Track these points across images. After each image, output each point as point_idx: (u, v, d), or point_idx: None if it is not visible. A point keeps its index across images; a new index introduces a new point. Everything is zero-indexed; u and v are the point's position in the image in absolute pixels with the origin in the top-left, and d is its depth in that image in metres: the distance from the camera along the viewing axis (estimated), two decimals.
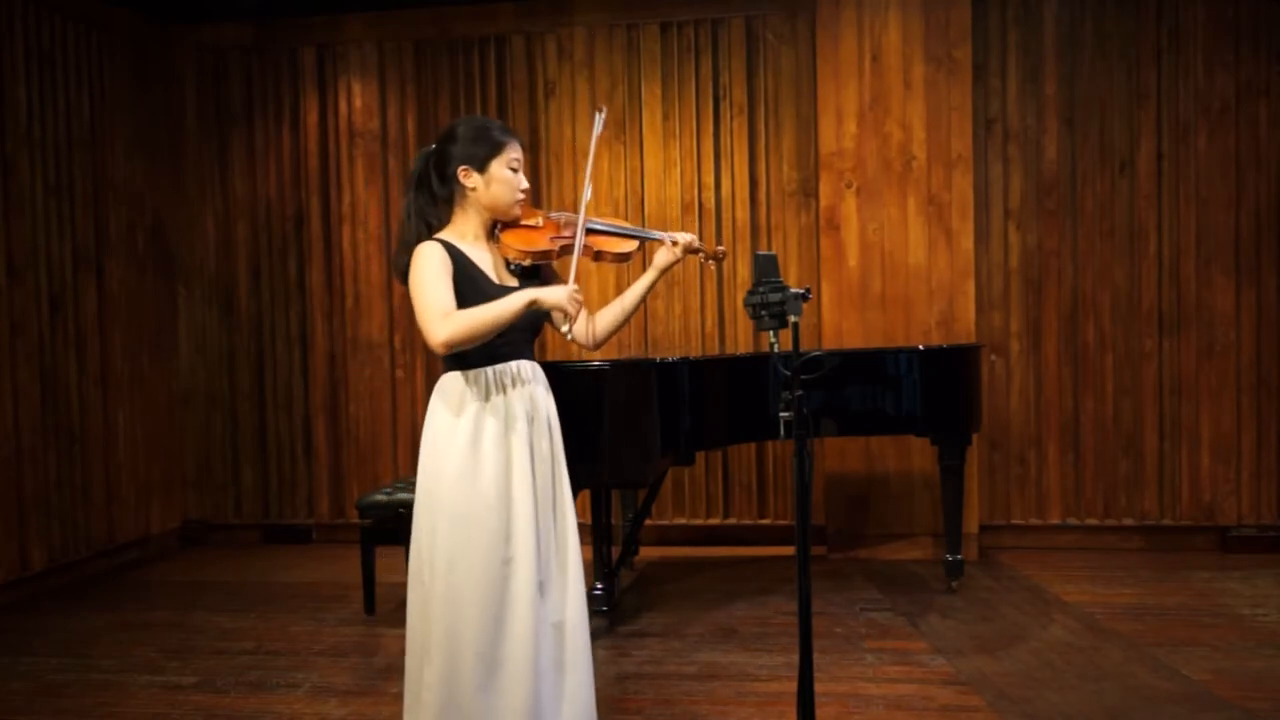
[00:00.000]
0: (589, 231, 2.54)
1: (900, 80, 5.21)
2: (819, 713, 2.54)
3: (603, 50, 5.76)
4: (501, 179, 2.45)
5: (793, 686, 2.57)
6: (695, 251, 2.66)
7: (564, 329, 2.44)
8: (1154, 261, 5.36)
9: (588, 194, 2.54)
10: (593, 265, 4.53)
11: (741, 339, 5.68)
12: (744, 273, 5.68)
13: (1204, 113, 5.29)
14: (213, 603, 4.81)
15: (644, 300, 2.66)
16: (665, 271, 2.61)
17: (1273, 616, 4.19)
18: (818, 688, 2.54)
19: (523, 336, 2.46)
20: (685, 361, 4.00)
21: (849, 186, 5.27)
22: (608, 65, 5.76)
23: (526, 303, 2.33)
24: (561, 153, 5.79)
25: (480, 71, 5.87)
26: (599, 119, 2.59)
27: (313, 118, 6.01)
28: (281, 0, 5.76)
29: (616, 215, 2.60)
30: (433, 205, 2.50)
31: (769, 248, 5.67)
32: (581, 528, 5.07)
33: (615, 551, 4.71)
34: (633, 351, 5.72)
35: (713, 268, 2.78)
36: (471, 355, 2.38)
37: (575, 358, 5.59)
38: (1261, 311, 5.28)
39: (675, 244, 2.61)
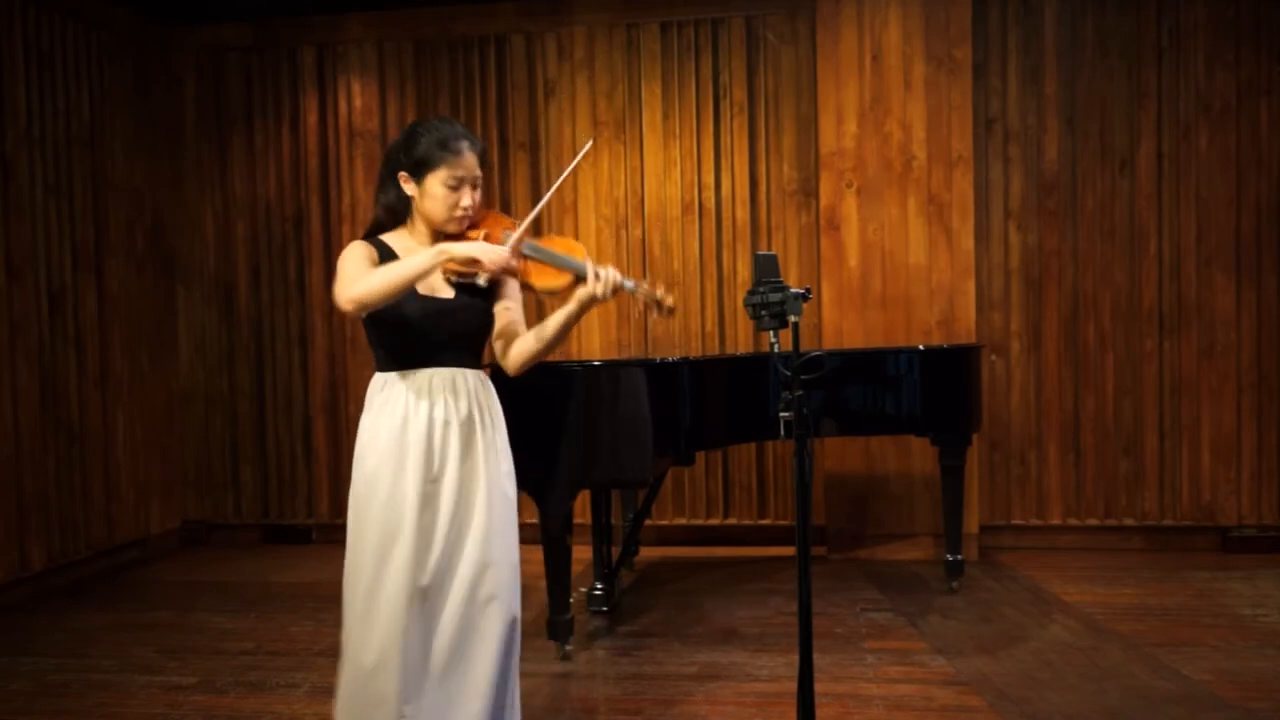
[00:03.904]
0: (522, 256, 2.37)
1: (900, 80, 5.21)
2: (819, 713, 2.53)
3: (603, 50, 5.76)
4: (434, 195, 2.38)
5: (793, 686, 2.57)
6: (637, 295, 2.38)
7: (481, 279, 2.28)
8: (1154, 261, 5.36)
9: (544, 199, 2.47)
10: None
11: (741, 339, 5.68)
12: (744, 273, 5.67)
13: (1204, 113, 5.29)
14: (212, 603, 4.81)
15: (565, 334, 2.42)
16: (587, 307, 2.35)
17: (1273, 617, 4.19)
18: (818, 688, 2.54)
19: (442, 344, 2.37)
20: (685, 361, 4.00)
21: (849, 186, 5.27)
22: (608, 65, 5.76)
23: (437, 253, 2.26)
24: (561, 153, 5.79)
25: (480, 71, 5.87)
26: (588, 146, 2.48)
27: (312, 118, 6.01)
28: (281, 0, 5.76)
29: (574, 242, 2.22)
30: (394, 202, 2.46)
31: (769, 248, 5.67)
32: (581, 528, 5.12)
33: (615, 551, 4.71)
34: (633, 351, 5.72)
35: (655, 314, 2.43)
36: (385, 361, 2.39)
37: (573, 358, 5.59)
38: (1261, 311, 5.28)
39: (597, 278, 2.30)
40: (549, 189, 2.43)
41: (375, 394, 2.41)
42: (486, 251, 2.26)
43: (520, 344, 2.45)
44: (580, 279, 2.34)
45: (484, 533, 2.35)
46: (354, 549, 2.37)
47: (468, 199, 2.39)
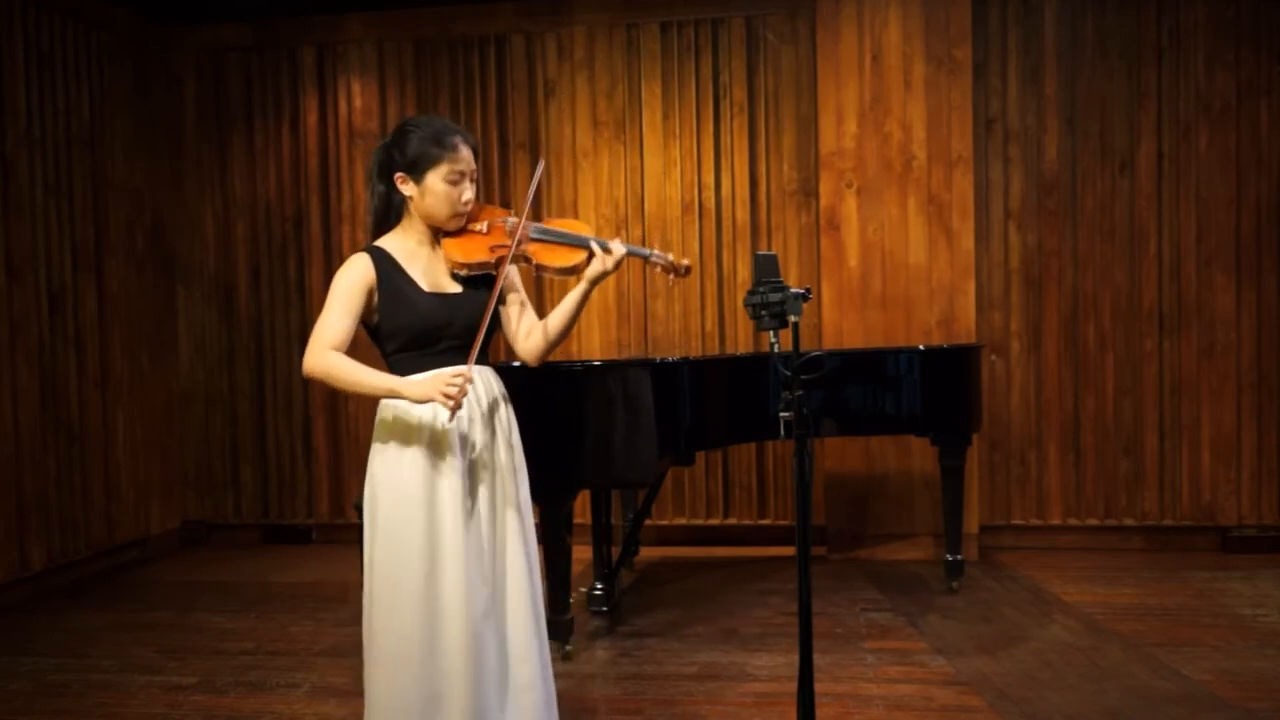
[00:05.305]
0: (531, 240, 2.39)
1: (900, 80, 5.21)
2: (819, 713, 2.53)
3: (603, 50, 5.76)
4: (436, 192, 2.34)
5: (793, 686, 2.56)
6: (652, 262, 2.45)
7: (441, 422, 2.27)
8: (1154, 261, 5.36)
9: (517, 236, 2.37)
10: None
11: (741, 339, 5.68)
12: (744, 273, 5.67)
13: (1204, 113, 5.29)
14: (212, 603, 4.81)
15: (578, 314, 2.43)
16: (596, 283, 2.39)
17: (1273, 617, 4.18)
18: (818, 688, 2.54)
19: (456, 339, 2.35)
20: (685, 361, 4.00)
21: (849, 186, 5.27)
22: (608, 65, 5.76)
23: (386, 390, 2.25)
24: (561, 152, 5.79)
25: (480, 71, 5.87)
26: (539, 169, 2.46)
27: (312, 118, 6.01)
28: (281, 0, 5.76)
29: (576, 220, 2.31)
30: (388, 202, 2.42)
31: (769, 248, 5.67)
32: (581, 528, 5.12)
33: (615, 551, 4.71)
34: (633, 351, 5.72)
35: (671, 279, 2.49)
36: (402, 367, 2.34)
37: (573, 358, 5.59)
38: (1261, 311, 5.28)
39: (608, 253, 2.36)
40: (535, 179, 2.43)
41: (392, 405, 2.34)
42: (444, 389, 2.19)
43: (538, 331, 2.47)
44: (592, 253, 2.39)
45: (519, 532, 2.42)
46: (389, 572, 2.30)
47: (469, 193, 2.38)
